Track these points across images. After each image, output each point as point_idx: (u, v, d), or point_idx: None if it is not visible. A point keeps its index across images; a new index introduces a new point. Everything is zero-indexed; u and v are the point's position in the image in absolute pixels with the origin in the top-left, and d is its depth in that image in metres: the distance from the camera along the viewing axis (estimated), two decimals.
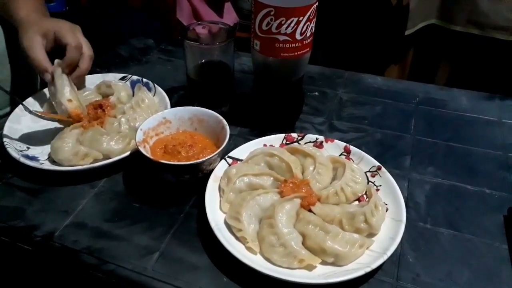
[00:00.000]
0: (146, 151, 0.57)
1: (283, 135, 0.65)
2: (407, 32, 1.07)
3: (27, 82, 0.85)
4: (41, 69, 0.67)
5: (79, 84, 0.72)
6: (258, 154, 0.60)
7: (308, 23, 0.60)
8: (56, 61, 0.69)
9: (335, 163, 0.60)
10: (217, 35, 0.75)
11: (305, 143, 0.64)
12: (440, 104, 0.79)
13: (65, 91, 0.67)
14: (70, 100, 0.66)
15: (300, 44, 0.61)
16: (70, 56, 0.68)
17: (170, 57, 0.94)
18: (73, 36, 0.69)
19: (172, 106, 0.70)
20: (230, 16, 1.17)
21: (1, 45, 0.79)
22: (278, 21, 0.58)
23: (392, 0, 1.09)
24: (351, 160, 0.61)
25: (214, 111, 0.64)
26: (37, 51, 0.67)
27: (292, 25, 0.59)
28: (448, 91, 0.83)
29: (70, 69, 0.69)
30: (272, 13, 0.58)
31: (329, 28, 1.03)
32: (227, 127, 0.60)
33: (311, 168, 0.58)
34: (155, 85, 0.76)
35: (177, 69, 0.87)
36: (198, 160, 0.56)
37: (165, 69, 0.89)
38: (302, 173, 0.59)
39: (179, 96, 0.79)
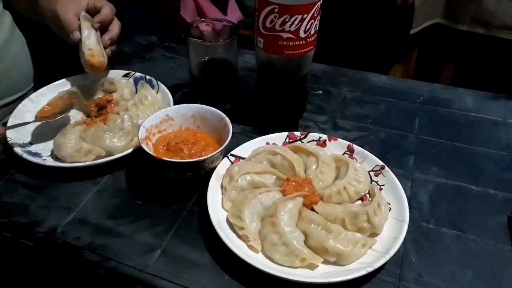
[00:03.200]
0: (148, 148, 0.57)
1: (286, 133, 0.65)
2: (412, 31, 1.06)
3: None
4: (72, 29, 0.71)
5: (113, 46, 0.75)
6: (261, 152, 0.60)
7: (312, 20, 0.59)
8: (82, 13, 0.72)
9: (338, 162, 0.59)
10: (220, 32, 0.74)
11: (308, 142, 0.64)
12: (444, 104, 0.78)
13: (89, 42, 0.71)
14: (90, 49, 0.70)
15: (304, 42, 0.61)
16: (105, 13, 0.73)
17: (173, 54, 0.94)
18: (108, 2, 0.74)
19: (175, 104, 0.70)
20: (234, 14, 1.16)
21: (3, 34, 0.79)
22: (282, 19, 0.58)
23: None
24: (354, 159, 0.61)
25: (217, 108, 0.63)
26: (70, 15, 0.71)
27: (296, 22, 0.59)
28: (453, 90, 0.82)
29: (100, 26, 0.73)
30: (276, 10, 0.58)
31: (334, 26, 1.02)
32: (230, 125, 0.60)
33: (314, 167, 0.58)
34: (158, 82, 0.76)
35: (180, 67, 0.87)
36: (200, 158, 0.56)
37: (168, 66, 0.89)
38: (305, 171, 0.58)
39: (182, 94, 0.79)
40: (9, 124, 0.66)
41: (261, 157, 0.59)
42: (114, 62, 0.87)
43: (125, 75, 0.79)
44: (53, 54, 0.92)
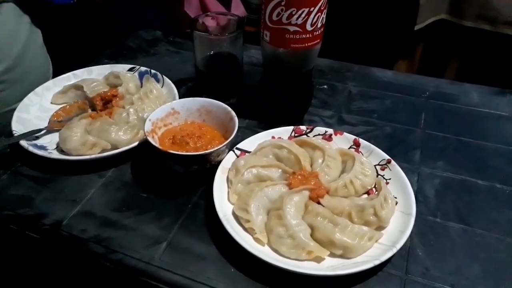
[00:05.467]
0: (154, 141, 0.57)
1: (291, 127, 0.64)
2: (416, 27, 1.06)
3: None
4: None
5: None
6: (267, 146, 0.60)
7: (319, 14, 0.59)
8: None
9: (344, 155, 0.59)
10: (226, 26, 0.74)
11: (314, 136, 0.64)
12: (450, 99, 0.78)
13: None
14: None
15: (310, 35, 0.61)
16: None
17: (178, 49, 0.94)
18: None
19: (180, 98, 0.70)
20: (238, 10, 1.16)
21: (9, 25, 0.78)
22: (288, 12, 0.58)
23: None
24: (360, 153, 0.61)
25: (223, 103, 0.63)
26: None
27: (303, 15, 0.58)
28: (459, 85, 0.82)
29: None
30: (282, 3, 0.58)
31: (339, 21, 1.01)
32: (236, 119, 0.60)
33: (320, 161, 0.58)
34: (163, 76, 0.76)
35: (185, 61, 0.87)
36: (206, 151, 0.55)
37: (173, 61, 0.89)
38: (311, 165, 0.58)
39: (187, 88, 0.79)
40: (14, 118, 0.66)
41: (266, 151, 0.59)
42: (119, 56, 0.88)
43: (130, 69, 0.79)
44: (60, 48, 0.92)
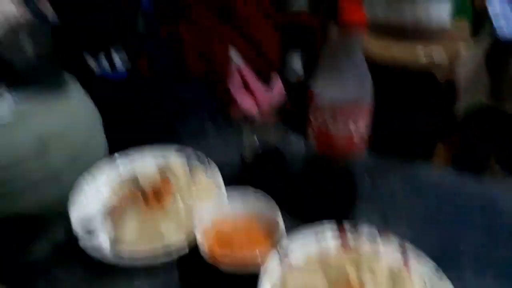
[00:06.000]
0: (204, 250, 0.58)
1: (335, 225, 0.63)
2: (457, 112, 1.07)
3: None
4: None
5: None
6: (314, 260, 0.60)
7: (366, 123, 0.61)
8: None
9: (393, 273, 0.58)
10: (269, 117, 0.78)
11: (359, 237, 0.62)
12: (503, 205, 0.75)
13: None
14: None
15: (356, 142, 0.62)
16: None
17: (225, 134, 0.95)
18: None
19: (225, 185, 0.72)
20: (277, 88, 1.20)
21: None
22: (335, 122, 0.60)
23: (441, 78, 1.09)
24: (409, 265, 0.59)
25: (267, 194, 0.65)
26: None
27: (349, 125, 0.60)
28: (507, 185, 0.80)
29: None
30: (329, 110, 0.59)
31: (379, 110, 1.04)
32: (282, 222, 0.61)
33: (368, 276, 0.57)
34: (210, 162, 0.78)
35: (231, 147, 0.86)
36: (257, 269, 0.56)
37: (218, 144, 0.91)
38: (359, 279, 0.58)
39: (232, 176, 0.79)
40: (71, 205, 0.68)
41: (314, 265, 0.59)
42: (167, 140, 0.90)
43: (178, 154, 0.81)
44: (112, 127, 0.95)
